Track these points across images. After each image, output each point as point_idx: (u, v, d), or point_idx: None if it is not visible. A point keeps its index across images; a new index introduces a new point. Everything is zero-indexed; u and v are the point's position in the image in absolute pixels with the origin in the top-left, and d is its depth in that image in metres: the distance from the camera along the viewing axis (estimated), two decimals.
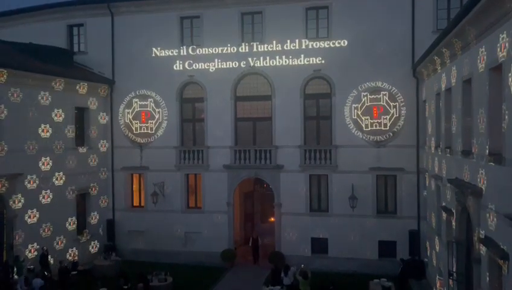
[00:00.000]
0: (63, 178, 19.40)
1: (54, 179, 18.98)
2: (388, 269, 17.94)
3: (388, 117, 19.23)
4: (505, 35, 8.02)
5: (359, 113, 19.49)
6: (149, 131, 21.91)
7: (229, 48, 20.70)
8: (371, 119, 19.35)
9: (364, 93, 19.40)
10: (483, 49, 9.36)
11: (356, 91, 19.47)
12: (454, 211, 12.23)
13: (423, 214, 18.41)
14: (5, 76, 16.59)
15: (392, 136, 19.17)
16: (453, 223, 12.40)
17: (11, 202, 16.96)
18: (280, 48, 20.12)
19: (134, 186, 22.48)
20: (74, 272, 17.91)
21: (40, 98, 18.36)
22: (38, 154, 18.20)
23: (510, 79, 7.75)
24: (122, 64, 21.97)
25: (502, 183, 8.20)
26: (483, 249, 9.45)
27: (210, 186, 20.99)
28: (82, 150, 20.67)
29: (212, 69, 20.97)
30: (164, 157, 21.39)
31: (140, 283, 16.01)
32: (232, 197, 20.99)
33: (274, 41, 20.17)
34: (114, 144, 22.26)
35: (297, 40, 19.97)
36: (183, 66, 21.23)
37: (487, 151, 9.04)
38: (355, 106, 19.50)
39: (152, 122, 21.88)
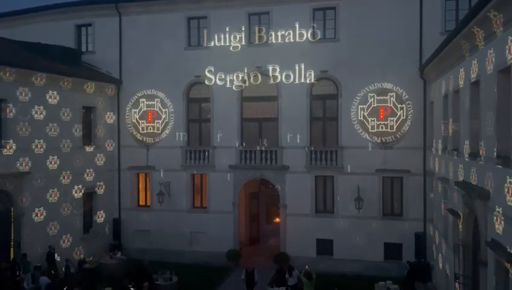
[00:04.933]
0: (70, 177, 19.54)
1: (61, 178, 19.12)
2: (394, 271, 17.84)
3: (395, 119, 19.14)
4: None
5: (366, 114, 19.42)
6: (155, 131, 22.00)
7: (235, 48, 20.71)
8: (377, 120, 19.28)
9: (371, 95, 19.34)
10: (492, 51, 9.29)
11: (363, 92, 19.41)
12: (461, 213, 12.14)
13: (429, 216, 18.30)
14: (13, 75, 16.75)
15: (399, 138, 19.09)
16: (460, 226, 12.32)
17: (19, 200, 17.11)
18: (287, 48, 20.11)
19: (140, 185, 22.59)
20: (87, 265, 18.30)
21: (48, 97, 18.51)
22: (46, 153, 18.34)
23: None
24: (130, 64, 22.09)
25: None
26: (490, 253, 9.38)
27: (215, 186, 21.02)
28: (89, 149, 20.80)
29: (219, 70, 20.98)
30: (170, 157, 21.46)
31: (146, 282, 16.03)
32: (238, 197, 21.01)
33: (281, 42, 20.16)
34: (121, 143, 22.38)
35: (304, 41, 19.95)
36: (190, 67, 21.28)
37: (495, 153, 8.97)
38: (361, 107, 19.44)
39: (159, 122, 21.97)
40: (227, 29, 20.71)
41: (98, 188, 21.35)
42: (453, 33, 11.64)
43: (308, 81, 19.97)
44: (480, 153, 10.11)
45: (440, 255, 15.75)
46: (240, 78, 20.64)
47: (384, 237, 19.05)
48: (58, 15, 23.05)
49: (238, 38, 20.61)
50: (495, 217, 8.99)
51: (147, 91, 22.05)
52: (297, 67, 20.00)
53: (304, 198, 19.90)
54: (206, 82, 21.09)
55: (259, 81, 20.48)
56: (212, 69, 20.97)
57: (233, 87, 20.77)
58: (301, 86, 20.03)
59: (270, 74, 20.30)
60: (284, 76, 20.20)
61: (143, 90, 22.07)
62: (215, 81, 20.93)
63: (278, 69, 20.21)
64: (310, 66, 19.89)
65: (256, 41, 20.62)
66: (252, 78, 20.52)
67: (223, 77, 20.84)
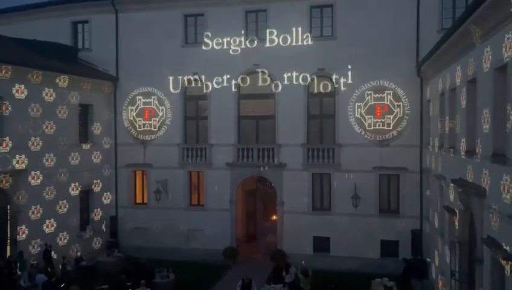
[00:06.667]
0: (67, 174, 19.47)
1: (58, 176, 19.06)
2: (390, 268, 17.93)
3: (392, 116, 19.18)
4: (510, 35, 7.98)
5: (363, 112, 19.45)
6: (152, 128, 21.96)
7: (232, 46, 20.69)
8: (374, 118, 19.31)
9: (368, 92, 19.37)
10: (489, 49, 9.31)
11: (360, 90, 19.43)
12: (457, 211, 12.20)
13: (426, 213, 18.38)
14: (9, 72, 16.66)
15: (396, 136, 19.13)
16: (456, 223, 12.38)
17: (15, 198, 17.06)
18: (284, 46, 20.09)
19: (137, 183, 22.55)
20: (84, 263, 18.32)
21: (44, 94, 18.43)
22: (42, 150, 18.27)
23: None
24: (126, 62, 22.02)
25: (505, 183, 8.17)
26: (486, 249, 9.43)
27: (213, 184, 21.01)
28: (86, 146, 20.74)
29: (215, 67, 20.95)
30: (167, 154, 21.44)
31: (143, 280, 16.02)
32: (235, 195, 21.01)
33: (278, 40, 20.14)
34: (117, 141, 22.33)
35: (301, 39, 19.93)
36: (187, 64, 21.23)
37: (491, 151, 9.01)
38: (358, 104, 19.46)
39: (155, 120, 21.93)
40: (224, 27, 20.67)
41: (95, 186, 21.30)
42: (450, 31, 11.66)
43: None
44: (477, 150, 10.15)
45: (436, 252, 15.83)
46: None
47: (381, 234, 19.12)
48: (55, 12, 22.90)
49: (235, 35, 20.63)
50: (491, 215, 9.04)
51: (143, 88, 21.99)
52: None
53: (301, 195, 19.93)
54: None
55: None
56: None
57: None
58: (298, 83, 20.03)
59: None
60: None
61: (140, 87, 22.01)
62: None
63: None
64: (307, 64, 19.87)
65: (254, 39, 20.60)
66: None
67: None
